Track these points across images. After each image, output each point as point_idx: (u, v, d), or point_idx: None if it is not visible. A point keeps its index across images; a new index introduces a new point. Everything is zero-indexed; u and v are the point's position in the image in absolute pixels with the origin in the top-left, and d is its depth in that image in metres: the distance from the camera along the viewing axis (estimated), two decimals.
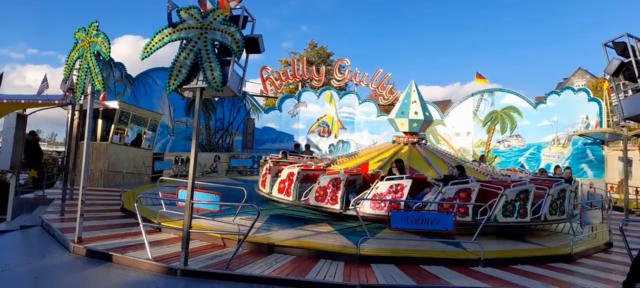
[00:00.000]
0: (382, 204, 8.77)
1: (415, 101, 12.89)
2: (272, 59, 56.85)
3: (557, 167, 14.04)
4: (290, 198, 10.16)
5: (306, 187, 10.11)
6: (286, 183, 10.29)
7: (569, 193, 9.69)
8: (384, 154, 12.05)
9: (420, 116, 12.71)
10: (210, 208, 8.14)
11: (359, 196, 9.22)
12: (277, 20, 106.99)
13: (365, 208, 8.92)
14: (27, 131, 12.47)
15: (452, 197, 8.69)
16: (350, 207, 8.95)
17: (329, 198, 9.28)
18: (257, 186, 12.23)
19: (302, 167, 10.43)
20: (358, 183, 10.09)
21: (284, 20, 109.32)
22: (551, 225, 9.99)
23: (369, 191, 9.17)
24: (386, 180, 9.03)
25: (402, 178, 9.00)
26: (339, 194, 9.14)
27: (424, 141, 12.97)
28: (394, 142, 13.03)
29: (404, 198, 8.71)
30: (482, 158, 16.76)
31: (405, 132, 12.87)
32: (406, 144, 12.45)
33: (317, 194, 9.46)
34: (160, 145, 20.22)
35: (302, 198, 9.95)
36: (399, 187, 8.86)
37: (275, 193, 10.62)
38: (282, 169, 10.77)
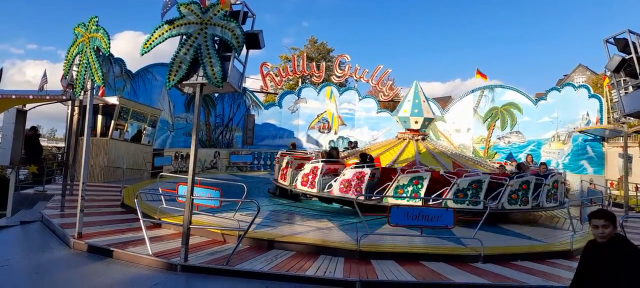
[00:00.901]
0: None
1: (424, 100, 13.83)
2: (272, 55, 56.69)
3: (542, 164, 14.31)
4: (361, 198, 9.95)
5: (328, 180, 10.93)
6: (353, 183, 10.31)
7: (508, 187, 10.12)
8: (396, 148, 13.06)
9: (431, 114, 13.86)
10: (210, 204, 8.15)
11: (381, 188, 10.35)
12: (278, 16, 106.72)
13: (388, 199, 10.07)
14: (27, 127, 12.46)
15: (350, 178, 10.22)
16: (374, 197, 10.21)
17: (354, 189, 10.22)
18: (279, 180, 12.57)
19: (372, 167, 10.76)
20: (377, 176, 10.83)
21: (285, 15, 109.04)
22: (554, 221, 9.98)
23: (392, 183, 10.22)
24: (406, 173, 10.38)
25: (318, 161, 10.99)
26: (423, 192, 9.88)
27: (423, 137, 13.65)
28: (398, 138, 13.82)
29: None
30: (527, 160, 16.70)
31: (408, 129, 13.63)
32: (411, 140, 13.34)
33: (341, 186, 10.42)
34: (160, 141, 20.20)
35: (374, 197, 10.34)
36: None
37: (336, 192, 10.51)
38: (337, 168, 11.13)
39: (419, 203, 9.48)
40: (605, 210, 3.49)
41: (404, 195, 9.87)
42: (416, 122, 13.55)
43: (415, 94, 13.84)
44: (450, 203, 9.57)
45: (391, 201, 9.69)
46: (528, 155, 18.10)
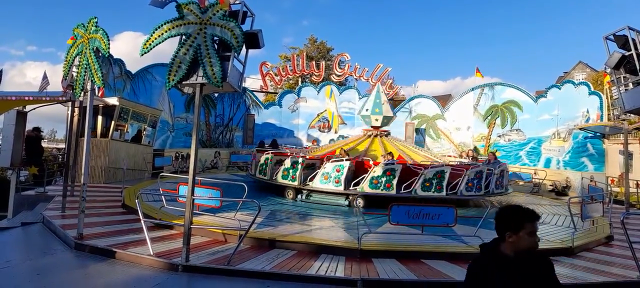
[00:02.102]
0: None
1: (385, 102, 15.28)
2: (272, 55, 56.94)
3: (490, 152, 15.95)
4: (340, 189, 11.28)
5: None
6: (333, 175, 11.43)
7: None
8: (364, 143, 14.54)
9: (390, 113, 15.32)
10: (211, 204, 8.15)
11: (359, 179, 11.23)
12: (278, 15, 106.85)
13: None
14: (29, 128, 12.46)
15: (329, 171, 11.52)
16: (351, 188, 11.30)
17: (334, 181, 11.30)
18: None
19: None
20: (351, 169, 11.69)
21: (284, 14, 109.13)
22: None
23: (367, 174, 11.29)
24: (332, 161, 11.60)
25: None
26: (395, 182, 11.05)
27: (387, 133, 15.40)
28: (364, 134, 15.39)
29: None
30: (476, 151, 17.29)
31: (373, 126, 15.25)
32: (377, 136, 14.87)
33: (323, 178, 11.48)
34: (161, 142, 20.19)
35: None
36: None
37: (317, 185, 11.55)
38: (315, 162, 12.24)
39: (393, 192, 10.79)
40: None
41: (379, 185, 10.96)
42: (377, 120, 15.20)
43: (377, 95, 15.45)
44: (419, 192, 10.93)
45: (366, 189, 11.00)
46: (491, 152, 18.13)
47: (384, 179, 10.95)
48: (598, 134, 18.75)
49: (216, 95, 22.24)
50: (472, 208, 11.81)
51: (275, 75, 25.69)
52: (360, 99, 24.52)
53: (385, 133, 15.31)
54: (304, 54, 28.41)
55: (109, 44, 7.10)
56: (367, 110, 15.31)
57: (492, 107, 22.25)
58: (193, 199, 6.39)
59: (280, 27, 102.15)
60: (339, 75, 26.12)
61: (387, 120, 15.32)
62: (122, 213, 9.40)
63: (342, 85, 25.81)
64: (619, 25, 7.33)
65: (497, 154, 16.99)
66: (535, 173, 18.61)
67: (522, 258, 2.33)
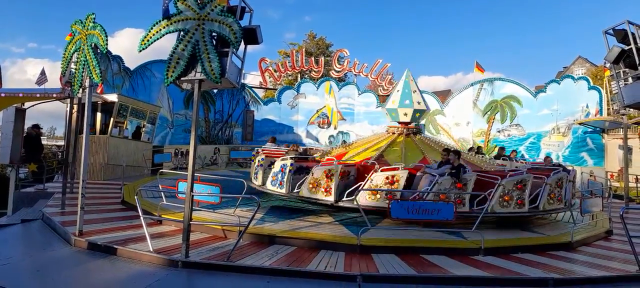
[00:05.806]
0: (379, 195, 8.70)
1: (415, 91, 12.55)
2: (272, 51, 56.59)
3: (546, 157, 13.98)
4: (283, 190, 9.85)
5: (299, 178, 9.75)
6: (322, 182, 9.23)
7: (567, 182, 9.50)
8: (380, 144, 11.84)
9: (422, 106, 12.36)
10: (211, 200, 8.15)
11: (354, 187, 9.01)
12: (281, 11, 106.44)
13: (361, 199, 8.53)
14: (28, 125, 12.46)
15: (448, 187, 8.51)
16: (345, 199, 8.97)
17: (323, 189, 9.09)
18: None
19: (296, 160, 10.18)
20: (352, 174, 9.69)
21: (287, 10, 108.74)
22: (550, 215, 9.99)
23: (364, 182, 8.95)
24: (381, 171, 8.96)
25: (397, 169, 8.99)
26: (333, 185, 8.91)
27: (416, 131, 12.49)
28: (387, 132, 12.66)
29: (400, 188, 8.68)
30: (480, 150, 15.93)
31: (400, 122, 12.44)
32: (401, 135, 12.11)
33: (310, 185, 9.27)
34: (160, 138, 20.20)
35: (296, 190, 9.67)
36: (394, 178, 8.84)
37: (305, 193, 9.46)
38: (274, 161, 10.50)
39: (524, 210, 8.36)
40: None
41: (510, 201, 8.43)
42: (405, 115, 12.25)
43: (405, 84, 12.60)
44: (497, 208, 8.36)
45: (363, 202, 8.44)
46: (513, 150, 16.62)
47: (515, 194, 8.37)
48: (597, 128, 18.77)
49: (215, 91, 22.21)
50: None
51: (275, 71, 25.65)
52: (359, 94, 24.51)
53: (414, 131, 12.29)
54: (303, 50, 28.35)
55: (107, 40, 7.07)
56: (393, 102, 12.41)
57: (491, 102, 22.24)
58: (192, 195, 6.38)
59: (282, 23, 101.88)
60: (338, 71, 26.09)
61: (419, 115, 12.40)
62: (121, 209, 9.40)
63: (342, 81, 25.80)
64: (618, 19, 7.32)
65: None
66: None
67: None
